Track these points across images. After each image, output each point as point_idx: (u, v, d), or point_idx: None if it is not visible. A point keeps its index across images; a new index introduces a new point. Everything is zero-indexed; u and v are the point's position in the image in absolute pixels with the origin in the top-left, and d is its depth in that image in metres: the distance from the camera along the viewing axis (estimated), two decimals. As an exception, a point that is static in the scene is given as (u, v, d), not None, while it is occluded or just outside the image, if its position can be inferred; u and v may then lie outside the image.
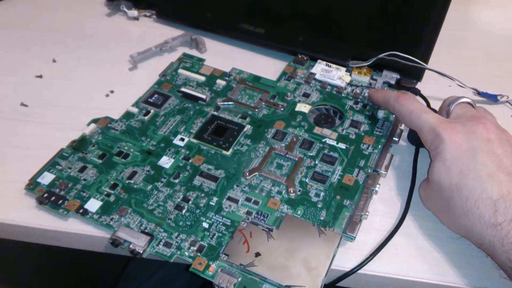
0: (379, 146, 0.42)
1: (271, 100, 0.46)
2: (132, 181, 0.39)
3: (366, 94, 0.46)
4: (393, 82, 0.47)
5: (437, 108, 0.43)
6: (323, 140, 0.42)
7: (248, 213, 0.37)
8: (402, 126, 0.44)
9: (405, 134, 0.44)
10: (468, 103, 0.39)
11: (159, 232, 0.36)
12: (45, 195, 0.38)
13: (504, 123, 0.38)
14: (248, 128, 0.43)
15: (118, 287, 0.58)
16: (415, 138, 0.43)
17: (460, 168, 0.34)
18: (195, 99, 0.46)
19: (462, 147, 0.34)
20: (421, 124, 0.37)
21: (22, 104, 0.46)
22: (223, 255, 0.34)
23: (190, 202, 0.37)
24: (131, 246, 0.35)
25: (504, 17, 0.61)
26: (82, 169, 0.40)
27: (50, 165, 0.40)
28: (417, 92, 0.47)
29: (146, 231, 0.36)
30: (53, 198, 0.38)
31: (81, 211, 0.37)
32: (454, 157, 0.34)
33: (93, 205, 0.37)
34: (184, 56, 0.51)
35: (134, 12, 0.56)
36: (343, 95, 0.46)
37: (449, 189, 0.34)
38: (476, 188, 0.33)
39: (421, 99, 0.46)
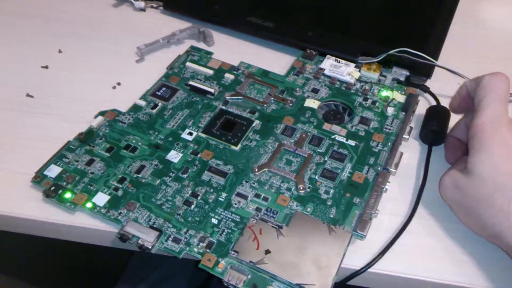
0: (389, 144, 0.41)
1: (280, 95, 0.45)
2: (140, 175, 0.38)
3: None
4: (402, 78, 0.47)
5: (446, 105, 0.43)
6: (333, 137, 0.42)
7: (258, 209, 0.36)
8: (412, 124, 0.43)
9: (415, 132, 0.44)
10: None
11: (168, 227, 0.35)
12: (52, 188, 0.37)
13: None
14: (257, 123, 0.43)
15: (121, 280, 0.58)
16: (428, 137, 0.43)
17: (508, 168, 0.33)
18: (203, 92, 0.45)
19: (510, 145, 0.33)
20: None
21: (28, 95, 0.46)
22: (233, 252, 0.33)
23: (199, 198, 0.37)
24: (139, 241, 0.34)
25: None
26: (90, 162, 0.39)
27: (57, 158, 0.39)
28: (426, 89, 0.46)
29: (155, 226, 0.35)
30: (60, 191, 0.37)
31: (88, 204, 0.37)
32: (502, 154, 0.33)
33: (100, 199, 0.37)
34: (192, 49, 0.50)
35: (141, 3, 0.56)
36: (352, 91, 0.46)
37: (492, 186, 0.33)
38: None
39: (430, 96, 0.46)
